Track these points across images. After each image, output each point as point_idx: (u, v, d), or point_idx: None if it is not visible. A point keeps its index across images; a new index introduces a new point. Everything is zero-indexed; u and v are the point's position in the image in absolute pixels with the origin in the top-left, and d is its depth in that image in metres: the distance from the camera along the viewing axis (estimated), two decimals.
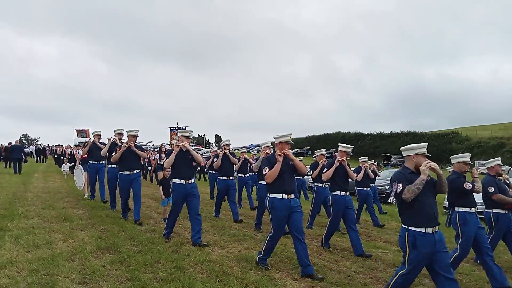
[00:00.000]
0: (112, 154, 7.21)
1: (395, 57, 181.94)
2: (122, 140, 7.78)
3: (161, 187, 7.32)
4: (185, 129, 19.72)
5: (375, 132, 53.78)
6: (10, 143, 20.26)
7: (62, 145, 24.01)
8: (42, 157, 31.05)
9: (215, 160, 9.22)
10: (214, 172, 10.82)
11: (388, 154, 44.79)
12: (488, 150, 42.53)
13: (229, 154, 8.34)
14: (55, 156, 25.28)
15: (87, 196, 9.78)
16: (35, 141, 75.60)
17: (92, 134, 9.44)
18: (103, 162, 9.46)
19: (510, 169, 23.85)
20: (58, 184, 13.35)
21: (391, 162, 40.78)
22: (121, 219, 7.09)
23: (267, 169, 4.58)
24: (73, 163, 15.99)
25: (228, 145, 8.76)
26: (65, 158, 17.56)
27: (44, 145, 37.05)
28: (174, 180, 5.74)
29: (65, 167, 16.42)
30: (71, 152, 17.25)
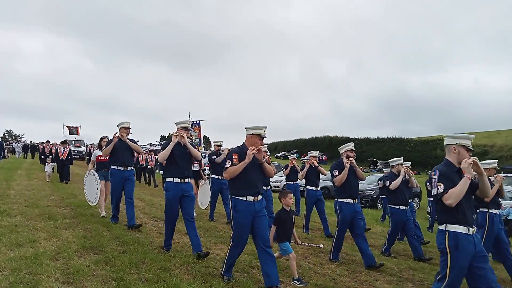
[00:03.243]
0: (224, 163, 4.30)
1: (382, 64, 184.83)
2: (189, 140, 5.35)
3: (274, 226, 4.61)
4: (199, 123, 17.51)
5: (362, 137, 54.35)
6: None
7: (48, 142, 23.03)
8: (31, 153, 30.46)
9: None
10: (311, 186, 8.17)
11: (374, 159, 45.29)
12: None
13: (319, 167, 8.12)
14: (41, 154, 24.44)
15: (104, 215, 7.30)
16: (19, 137, 74.20)
17: (118, 126, 6.75)
18: (132, 168, 6.91)
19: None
20: (42, 182, 13.13)
21: (377, 167, 41.24)
22: (106, 219, 7.00)
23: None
24: (55, 162, 14.47)
25: (315, 156, 8.29)
26: (48, 158, 15.18)
27: (31, 142, 36.50)
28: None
29: (48, 167, 14.20)
30: (56, 149, 16.28)
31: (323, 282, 4.55)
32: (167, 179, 5.19)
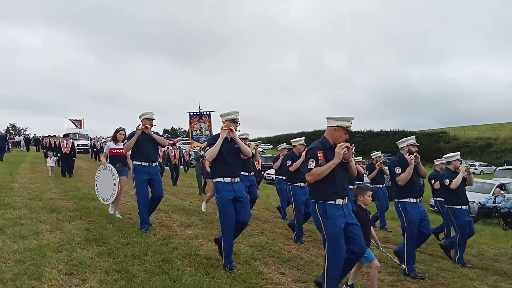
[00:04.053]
0: (314, 169, 3.56)
1: (382, 57, 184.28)
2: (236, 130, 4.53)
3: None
4: (209, 114, 13.97)
5: (365, 130, 54.16)
6: None
7: (55, 136, 22.84)
8: (35, 147, 30.72)
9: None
10: None
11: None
12: (475, 150, 43.22)
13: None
14: (46, 148, 24.20)
15: (112, 212, 6.75)
16: (22, 131, 74.77)
17: (140, 117, 5.99)
18: (157, 164, 6.08)
19: (496, 169, 24.28)
20: (45, 175, 13.20)
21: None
22: (108, 213, 7.02)
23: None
24: (58, 156, 14.06)
25: None
26: (49, 152, 14.58)
27: (35, 135, 36.75)
28: None
29: (50, 161, 13.68)
30: (58, 142, 16.01)
31: None
32: (216, 180, 4.47)
